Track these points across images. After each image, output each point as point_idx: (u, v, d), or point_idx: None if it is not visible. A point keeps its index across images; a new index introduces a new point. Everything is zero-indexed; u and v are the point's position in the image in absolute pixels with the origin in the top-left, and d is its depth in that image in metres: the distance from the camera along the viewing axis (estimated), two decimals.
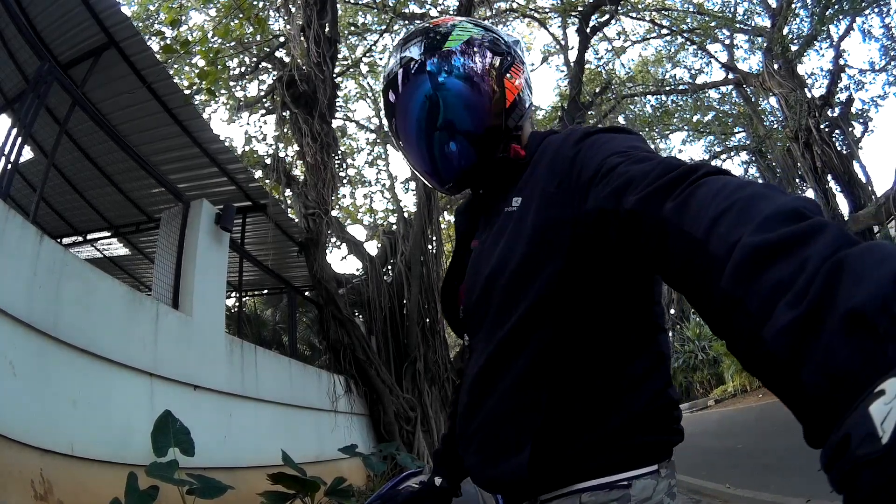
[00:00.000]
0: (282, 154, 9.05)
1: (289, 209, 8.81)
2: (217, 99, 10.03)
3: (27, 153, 4.98)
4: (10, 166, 3.46)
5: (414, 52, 0.84)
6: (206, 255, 4.86)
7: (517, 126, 0.86)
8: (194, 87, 8.82)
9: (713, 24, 15.16)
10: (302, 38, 7.64)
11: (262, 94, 9.89)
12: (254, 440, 4.71)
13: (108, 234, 7.80)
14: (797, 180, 15.93)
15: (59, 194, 6.59)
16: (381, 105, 0.94)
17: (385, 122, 0.97)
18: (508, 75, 0.84)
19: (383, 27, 11.70)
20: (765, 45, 14.96)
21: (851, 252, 0.33)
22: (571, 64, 14.25)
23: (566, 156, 0.74)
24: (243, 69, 9.97)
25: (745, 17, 15.97)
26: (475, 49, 0.83)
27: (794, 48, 14.47)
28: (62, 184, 6.41)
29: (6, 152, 3.49)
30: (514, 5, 13.38)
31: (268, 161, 9.21)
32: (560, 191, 0.72)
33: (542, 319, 0.71)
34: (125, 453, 3.21)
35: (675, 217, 0.47)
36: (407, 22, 10.65)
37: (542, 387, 0.71)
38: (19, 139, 3.61)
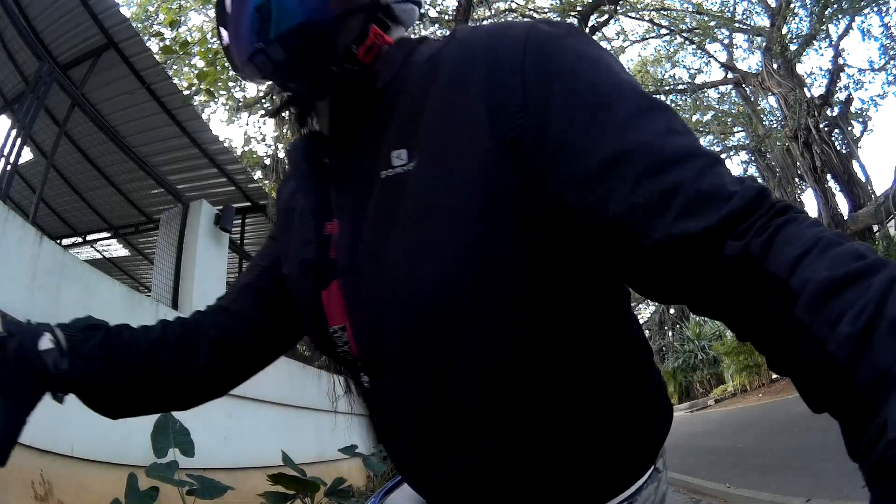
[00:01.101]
0: (281, 154, 9.06)
1: None
2: (216, 100, 10.02)
3: (27, 154, 4.98)
4: (9, 167, 3.46)
5: None
6: (205, 256, 4.87)
7: (375, 17, 0.57)
8: (193, 88, 8.81)
9: (712, 23, 15.18)
10: None
11: (262, 94, 9.89)
12: (254, 441, 4.70)
13: (108, 235, 7.81)
14: (796, 180, 15.95)
15: (58, 195, 6.60)
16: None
17: None
18: None
19: None
20: (764, 44, 14.96)
21: None
22: None
23: (509, 87, 0.49)
24: None
25: (744, 16, 16.00)
26: None
27: (793, 47, 14.49)
28: (62, 185, 6.42)
29: (6, 153, 3.49)
30: (514, 5, 13.39)
31: (267, 161, 9.21)
32: (506, 149, 0.49)
33: (522, 326, 0.53)
34: (125, 454, 3.21)
35: (760, 255, 0.46)
36: None
37: (534, 413, 0.55)
38: (19, 140, 3.62)
